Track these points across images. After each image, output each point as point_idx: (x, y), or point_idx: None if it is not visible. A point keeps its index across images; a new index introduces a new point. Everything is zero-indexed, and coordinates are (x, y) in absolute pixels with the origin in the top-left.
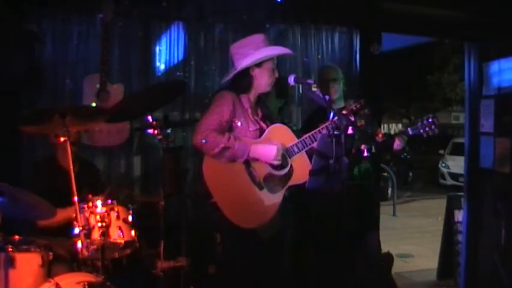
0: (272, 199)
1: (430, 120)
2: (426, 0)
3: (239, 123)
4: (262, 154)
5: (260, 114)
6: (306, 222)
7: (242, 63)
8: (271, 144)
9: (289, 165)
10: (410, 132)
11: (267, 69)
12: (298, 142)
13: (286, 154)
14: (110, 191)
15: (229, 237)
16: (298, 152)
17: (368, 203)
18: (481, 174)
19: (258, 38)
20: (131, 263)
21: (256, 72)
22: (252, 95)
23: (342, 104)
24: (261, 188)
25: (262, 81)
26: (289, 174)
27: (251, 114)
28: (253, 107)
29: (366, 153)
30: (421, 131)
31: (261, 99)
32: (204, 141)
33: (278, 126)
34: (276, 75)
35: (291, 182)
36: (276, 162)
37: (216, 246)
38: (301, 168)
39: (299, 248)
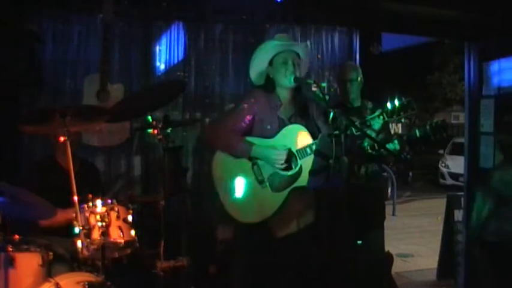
0: (273, 197)
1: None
2: (426, 0)
3: (259, 121)
4: (263, 157)
5: (292, 112)
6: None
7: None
8: (274, 148)
9: (298, 167)
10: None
11: (279, 65)
12: (312, 144)
13: (297, 156)
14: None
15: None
16: (310, 154)
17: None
18: (481, 174)
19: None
20: (131, 263)
21: (269, 70)
22: (281, 92)
23: (358, 103)
24: (263, 186)
25: (278, 78)
26: (296, 175)
27: (276, 112)
28: (283, 105)
29: None
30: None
31: (298, 96)
32: (211, 137)
33: (293, 127)
34: (291, 68)
35: (297, 183)
36: (277, 166)
37: (216, 246)
38: None
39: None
